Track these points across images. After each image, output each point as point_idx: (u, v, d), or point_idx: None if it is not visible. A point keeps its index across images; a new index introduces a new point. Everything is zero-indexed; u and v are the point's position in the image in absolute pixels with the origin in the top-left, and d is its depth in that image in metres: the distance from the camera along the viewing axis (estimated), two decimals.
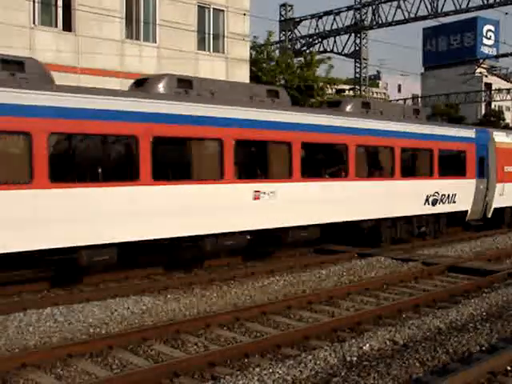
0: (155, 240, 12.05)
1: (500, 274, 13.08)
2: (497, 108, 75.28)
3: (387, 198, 16.71)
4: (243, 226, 13.37)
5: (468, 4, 32.37)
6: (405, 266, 14.52)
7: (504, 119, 67.27)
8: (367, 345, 7.91)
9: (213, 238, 12.91)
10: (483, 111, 69.34)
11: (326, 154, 16.34)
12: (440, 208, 18.68)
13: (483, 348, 7.99)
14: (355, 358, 7.51)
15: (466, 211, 19.94)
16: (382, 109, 17.76)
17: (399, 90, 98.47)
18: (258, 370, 6.92)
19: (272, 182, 13.88)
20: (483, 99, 60.48)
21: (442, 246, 17.70)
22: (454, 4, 32.69)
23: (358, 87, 37.77)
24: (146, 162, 11.61)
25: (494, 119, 62.59)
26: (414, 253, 16.40)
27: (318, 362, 7.24)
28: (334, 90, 36.37)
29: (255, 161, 14.36)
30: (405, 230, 17.92)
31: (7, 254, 10.14)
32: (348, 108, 16.74)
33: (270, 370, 6.87)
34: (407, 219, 17.83)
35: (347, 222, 15.83)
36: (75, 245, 10.84)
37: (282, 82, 32.27)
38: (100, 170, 11.46)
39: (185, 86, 12.99)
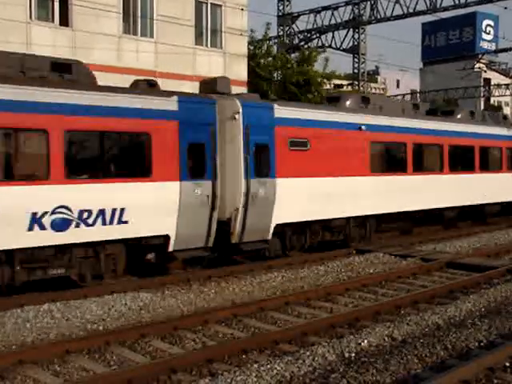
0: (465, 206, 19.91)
1: (499, 269, 13.08)
2: (496, 103, 75.17)
3: None
4: (503, 199, 21.71)
5: None
6: (403, 262, 14.51)
7: None
8: (365, 341, 7.90)
9: (489, 205, 21.27)
10: (482, 106, 69.18)
11: None
12: None
13: (482, 344, 7.99)
14: (353, 355, 7.49)
15: None
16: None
17: (398, 86, 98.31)
18: (256, 366, 6.91)
19: None
20: (482, 94, 60.33)
21: (441, 242, 17.69)
22: None
23: (356, 82, 37.66)
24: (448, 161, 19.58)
25: None
26: (413, 249, 16.38)
27: (316, 359, 7.23)
28: (332, 86, 36.24)
29: None
30: None
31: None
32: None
33: (268, 366, 6.86)
34: None
35: None
36: (441, 206, 18.56)
37: (280, 77, 32.16)
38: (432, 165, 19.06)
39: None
